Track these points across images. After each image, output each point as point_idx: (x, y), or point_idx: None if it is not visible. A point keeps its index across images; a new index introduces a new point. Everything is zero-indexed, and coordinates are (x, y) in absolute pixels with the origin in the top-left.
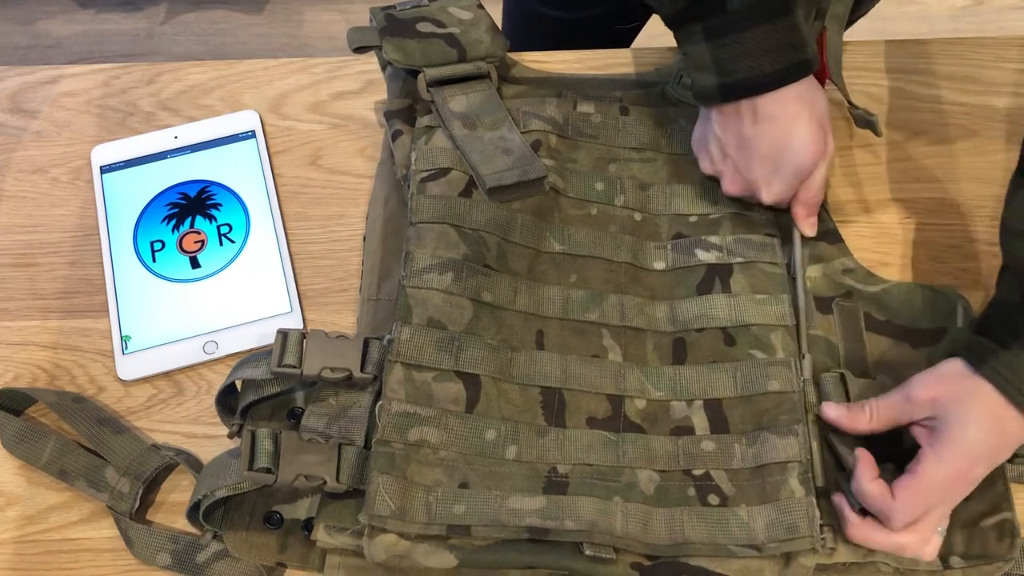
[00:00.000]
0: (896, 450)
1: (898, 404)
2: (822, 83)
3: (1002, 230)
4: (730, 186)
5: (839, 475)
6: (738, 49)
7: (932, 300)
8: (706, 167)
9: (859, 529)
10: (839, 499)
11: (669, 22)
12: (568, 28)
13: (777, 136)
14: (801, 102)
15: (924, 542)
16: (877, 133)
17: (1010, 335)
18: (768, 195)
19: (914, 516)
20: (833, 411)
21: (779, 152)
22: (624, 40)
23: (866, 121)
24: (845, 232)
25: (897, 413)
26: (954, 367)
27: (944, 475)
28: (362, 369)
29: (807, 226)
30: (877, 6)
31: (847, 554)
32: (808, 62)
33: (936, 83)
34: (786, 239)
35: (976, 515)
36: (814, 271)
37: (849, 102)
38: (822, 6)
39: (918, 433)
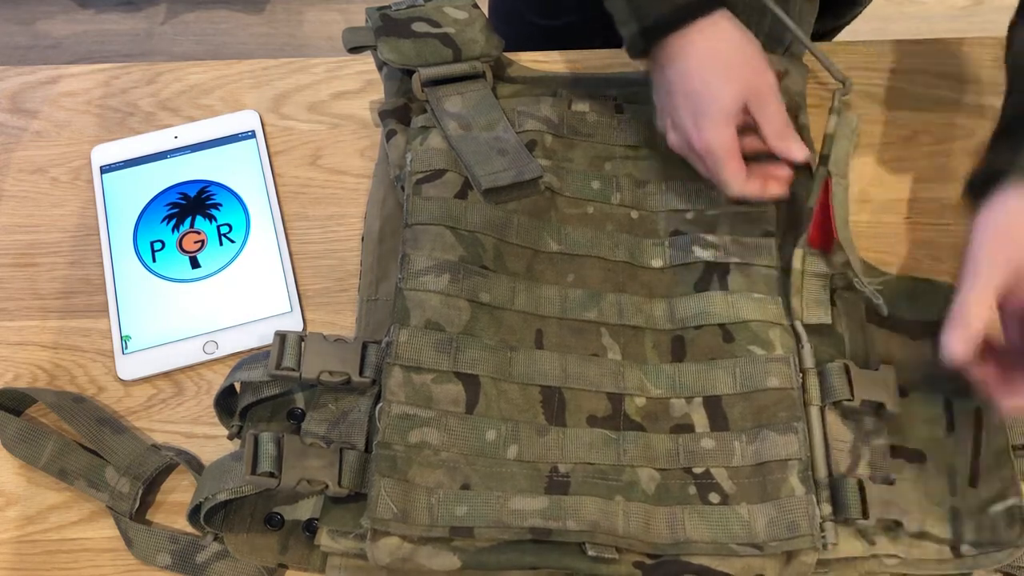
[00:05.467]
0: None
1: (979, 284)
2: (828, 247)
3: (1007, 61)
4: (671, 138)
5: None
6: None
7: (929, 292)
8: (659, 126)
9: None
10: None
11: None
12: (553, 34)
13: (692, 76)
14: (714, 42)
15: None
16: (883, 312)
17: None
18: (699, 140)
19: None
20: (957, 345)
21: (697, 93)
22: (617, 41)
23: (872, 302)
24: None
25: (990, 293)
26: (1000, 209)
27: None
28: (360, 373)
29: (796, 150)
30: (878, 6)
31: (849, 549)
32: None
33: (936, 83)
34: (786, 237)
35: (984, 502)
36: (814, 265)
37: (858, 278)
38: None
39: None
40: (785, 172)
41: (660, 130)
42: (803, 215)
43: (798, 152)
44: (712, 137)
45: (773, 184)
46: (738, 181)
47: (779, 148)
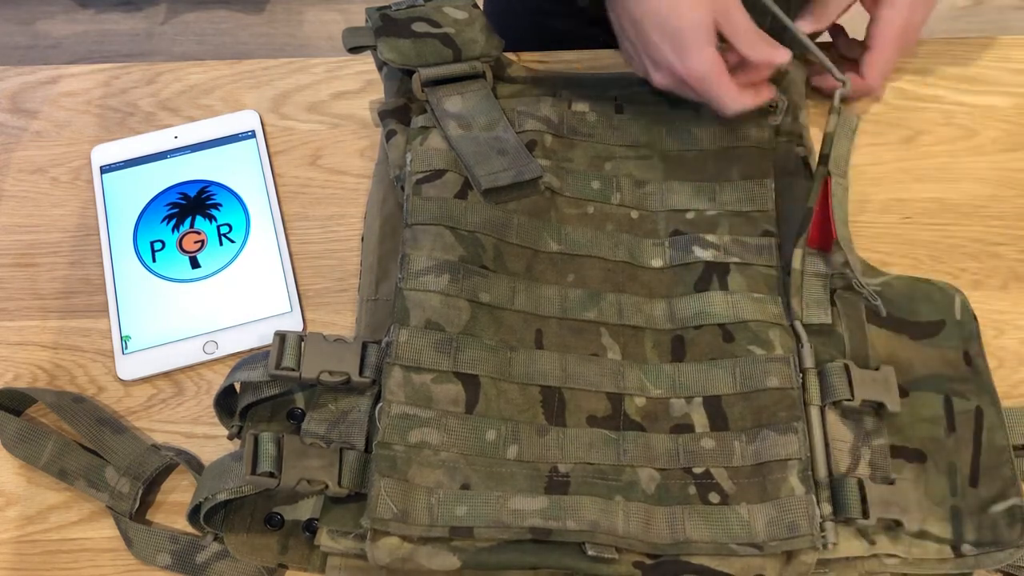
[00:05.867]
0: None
1: None
2: (828, 247)
3: None
4: (656, 78)
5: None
6: None
7: (930, 293)
8: (638, 70)
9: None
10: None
11: None
12: (550, 35)
13: (661, 9)
14: None
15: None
16: (881, 313)
17: None
18: (685, 70)
19: (891, 64)
20: (807, 25)
21: (670, 24)
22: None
23: (871, 304)
24: None
25: None
26: None
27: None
28: (360, 373)
29: (776, 54)
30: None
31: (849, 548)
32: None
33: (936, 83)
34: (786, 237)
35: (985, 501)
36: (814, 265)
37: (857, 278)
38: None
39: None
40: (766, 74)
41: (641, 74)
42: (803, 215)
43: (779, 55)
44: (698, 62)
45: (764, 90)
46: (734, 98)
47: (758, 56)
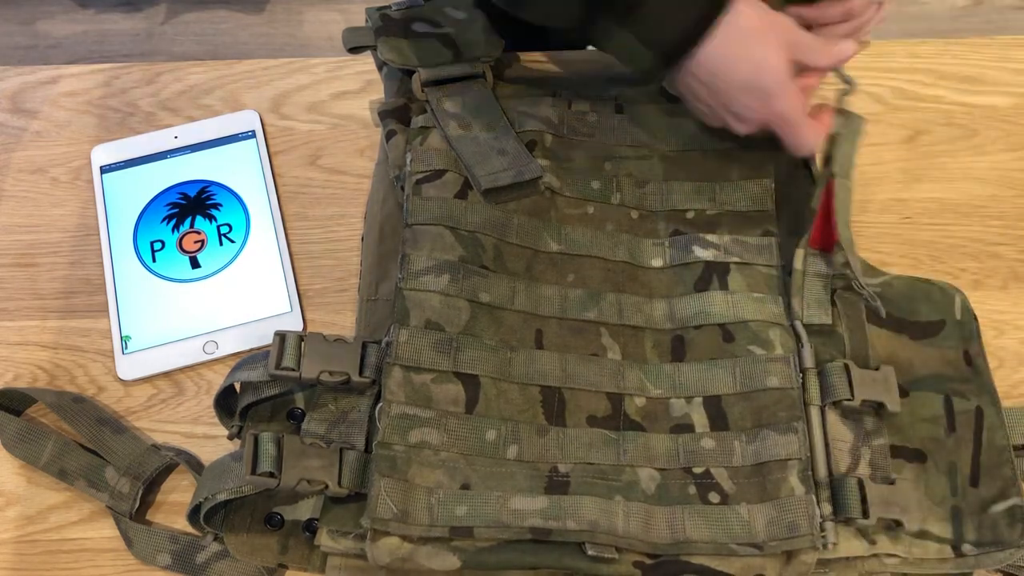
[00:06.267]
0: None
1: None
2: (829, 247)
3: None
4: (740, 128)
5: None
6: (653, 18)
7: (930, 293)
8: (712, 123)
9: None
10: None
11: (579, 34)
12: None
13: (738, 68)
14: (743, 26)
15: None
16: (881, 315)
17: None
18: (775, 116)
19: None
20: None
21: (755, 83)
22: None
23: (871, 304)
24: None
25: None
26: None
27: None
28: (360, 373)
29: (849, 49)
30: None
31: (849, 548)
32: None
33: (936, 83)
34: (787, 237)
35: (985, 501)
36: (815, 265)
37: (857, 280)
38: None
39: None
40: (828, 111)
41: (718, 126)
42: (805, 216)
43: (848, 49)
44: (786, 108)
45: (826, 118)
46: (815, 135)
47: (831, 61)
